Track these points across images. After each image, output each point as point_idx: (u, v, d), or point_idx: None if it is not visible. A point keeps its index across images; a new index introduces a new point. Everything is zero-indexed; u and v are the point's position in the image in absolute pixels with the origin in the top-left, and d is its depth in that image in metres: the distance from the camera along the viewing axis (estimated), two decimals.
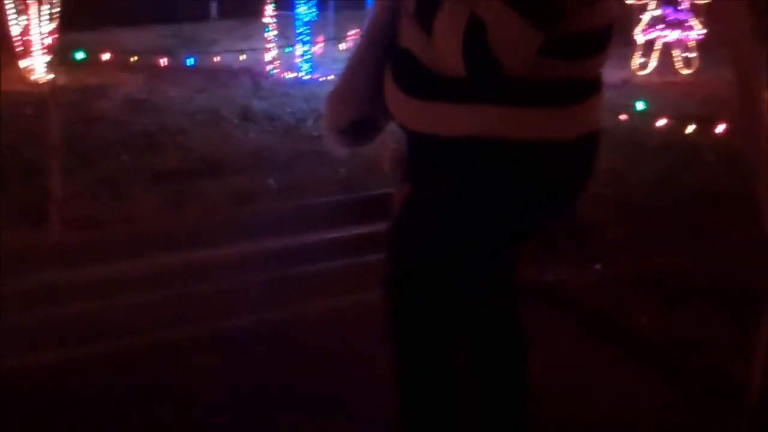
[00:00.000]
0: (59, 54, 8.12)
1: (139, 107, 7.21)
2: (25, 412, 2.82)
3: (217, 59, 9.19)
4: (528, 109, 1.89)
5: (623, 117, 6.50)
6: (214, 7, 12.18)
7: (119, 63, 8.67)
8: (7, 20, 7.89)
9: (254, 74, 8.80)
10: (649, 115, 6.76)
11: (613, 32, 1.99)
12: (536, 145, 1.92)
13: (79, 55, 7.84)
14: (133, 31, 10.66)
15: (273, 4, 9.05)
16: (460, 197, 1.98)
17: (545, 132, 1.92)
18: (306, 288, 3.59)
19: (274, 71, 8.86)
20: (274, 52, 8.98)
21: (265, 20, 9.09)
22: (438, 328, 2.14)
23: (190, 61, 8.85)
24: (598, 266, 3.74)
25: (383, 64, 2.06)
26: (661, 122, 6.44)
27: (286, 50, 9.09)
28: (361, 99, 2.12)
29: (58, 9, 8.02)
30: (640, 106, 7.01)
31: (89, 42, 8.88)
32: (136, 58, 8.69)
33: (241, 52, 9.28)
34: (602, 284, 3.65)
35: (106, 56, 8.48)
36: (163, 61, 8.79)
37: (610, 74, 2.50)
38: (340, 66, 7.67)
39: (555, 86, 1.91)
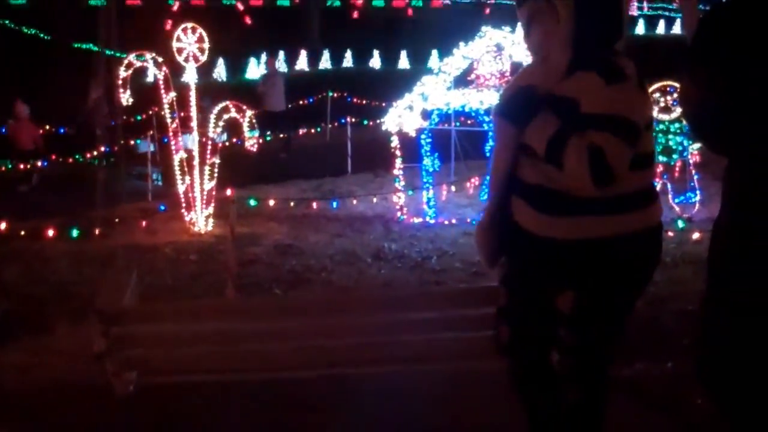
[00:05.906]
0: (218, 208, 9.30)
1: (286, 251, 8.25)
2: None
3: (354, 202, 10.28)
4: (615, 215, 2.68)
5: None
6: (349, 163, 13.35)
7: (268, 214, 9.85)
8: (176, 180, 9.20)
9: (386, 220, 9.79)
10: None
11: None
12: (615, 239, 2.68)
13: (252, 202, 8.99)
14: (279, 187, 11.97)
15: (401, 159, 10.10)
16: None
17: (624, 228, 2.69)
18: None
19: (404, 217, 9.79)
20: (402, 200, 9.93)
21: (395, 172, 10.18)
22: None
23: (334, 204, 10.02)
24: (670, 364, 4.34)
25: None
26: None
27: (410, 193, 10.07)
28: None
29: (216, 170, 9.27)
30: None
31: (243, 197, 10.09)
32: (285, 203, 9.81)
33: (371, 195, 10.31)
34: (671, 378, 4.22)
35: (271, 203, 9.63)
36: (306, 210, 9.91)
37: None
38: (462, 210, 8.94)
39: (626, 197, 2.68)
